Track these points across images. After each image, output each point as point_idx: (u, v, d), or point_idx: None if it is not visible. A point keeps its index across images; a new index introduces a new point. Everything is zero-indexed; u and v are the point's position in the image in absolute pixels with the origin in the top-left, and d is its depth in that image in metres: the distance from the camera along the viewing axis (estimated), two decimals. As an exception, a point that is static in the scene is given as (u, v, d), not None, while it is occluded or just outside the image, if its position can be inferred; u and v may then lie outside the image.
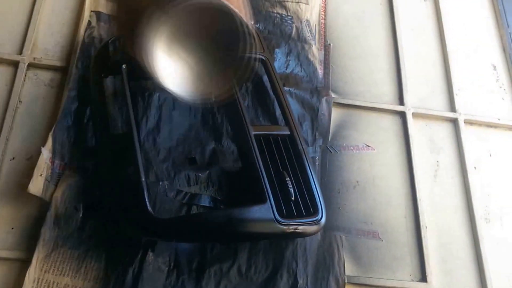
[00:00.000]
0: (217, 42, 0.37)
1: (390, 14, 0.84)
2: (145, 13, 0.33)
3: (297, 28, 0.77)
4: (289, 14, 0.78)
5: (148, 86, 0.66)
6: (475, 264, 0.64)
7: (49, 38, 0.70)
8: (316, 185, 0.59)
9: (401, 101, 0.75)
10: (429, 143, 0.73)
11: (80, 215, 0.56)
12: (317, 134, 0.69)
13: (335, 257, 0.60)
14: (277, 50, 0.74)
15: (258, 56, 0.68)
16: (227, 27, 0.35)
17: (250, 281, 0.56)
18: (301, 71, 0.73)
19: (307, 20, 0.78)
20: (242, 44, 0.35)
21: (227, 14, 0.34)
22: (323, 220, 0.56)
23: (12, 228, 0.56)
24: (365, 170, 0.68)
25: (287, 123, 0.63)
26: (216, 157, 0.63)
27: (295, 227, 0.55)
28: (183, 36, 0.36)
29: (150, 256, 0.55)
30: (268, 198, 0.55)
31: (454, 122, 0.75)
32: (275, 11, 0.78)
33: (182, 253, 0.56)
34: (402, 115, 0.74)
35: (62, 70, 0.67)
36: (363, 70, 0.77)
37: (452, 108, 0.76)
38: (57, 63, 0.68)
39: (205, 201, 0.60)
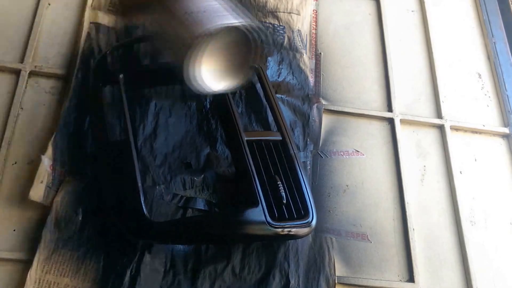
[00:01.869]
0: (238, 49, 0.55)
1: (378, 24, 0.86)
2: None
3: (289, 38, 0.79)
4: (281, 24, 0.80)
5: (145, 94, 0.68)
6: (461, 264, 0.66)
7: (49, 47, 0.72)
8: (307, 189, 0.60)
9: (389, 108, 0.77)
10: (416, 148, 0.75)
11: (80, 219, 0.58)
12: (308, 139, 0.71)
13: (325, 258, 0.62)
14: (269, 58, 0.76)
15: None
16: (244, 41, 0.54)
17: (243, 281, 0.58)
18: (292, 79, 0.75)
19: (298, 30, 0.81)
20: (253, 52, 0.55)
21: (245, 33, 0.53)
22: (314, 223, 0.58)
23: (14, 230, 0.58)
24: (355, 175, 0.70)
25: (279, 129, 0.65)
26: (210, 162, 0.65)
27: (286, 229, 0.56)
28: (218, 46, 0.54)
29: (147, 257, 0.56)
30: (260, 202, 0.57)
31: (441, 128, 0.77)
32: (268, 21, 0.80)
33: (178, 254, 0.58)
34: (390, 121, 0.76)
35: (63, 78, 0.69)
36: (352, 78, 0.80)
37: (439, 115, 0.79)
38: (58, 71, 0.69)
39: (200, 205, 0.61)
